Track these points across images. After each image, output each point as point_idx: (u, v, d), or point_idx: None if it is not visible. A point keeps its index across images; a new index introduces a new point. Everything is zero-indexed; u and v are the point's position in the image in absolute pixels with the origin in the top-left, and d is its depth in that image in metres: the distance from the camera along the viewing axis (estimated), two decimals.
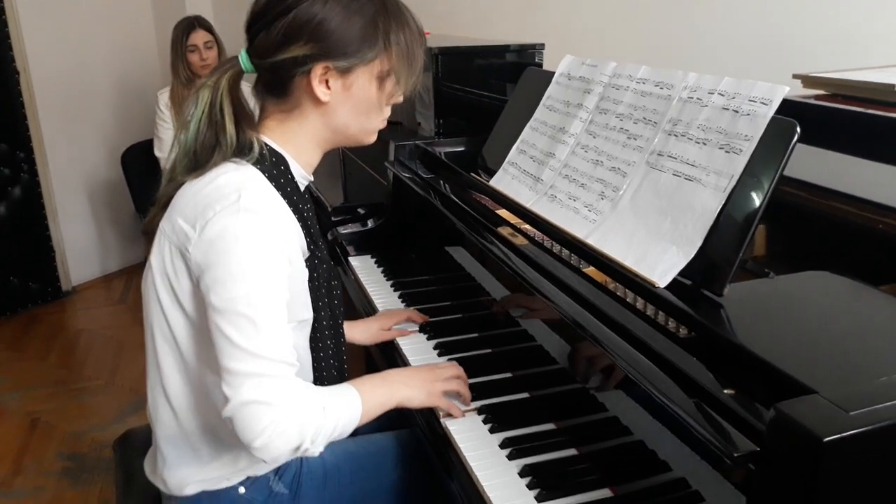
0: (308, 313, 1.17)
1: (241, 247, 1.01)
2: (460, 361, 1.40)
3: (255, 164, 1.09)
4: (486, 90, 2.19)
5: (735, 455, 0.75)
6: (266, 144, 1.12)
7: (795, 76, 1.85)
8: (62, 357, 3.20)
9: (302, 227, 1.15)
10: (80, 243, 3.93)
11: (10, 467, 2.44)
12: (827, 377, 0.79)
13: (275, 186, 1.09)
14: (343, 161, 3.20)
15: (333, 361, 1.26)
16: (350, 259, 1.97)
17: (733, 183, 1.03)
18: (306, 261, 1.17)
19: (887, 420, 0.69)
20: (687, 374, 0.88)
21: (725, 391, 0.84)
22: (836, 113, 1.49)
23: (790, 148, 0.98)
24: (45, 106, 3.65)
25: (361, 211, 2.13)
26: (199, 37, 3.18)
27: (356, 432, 1.35)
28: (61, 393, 2.89)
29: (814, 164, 1.34)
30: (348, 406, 1.11)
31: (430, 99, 2.24)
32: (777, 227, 1.28)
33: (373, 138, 1.19)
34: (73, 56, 3.78)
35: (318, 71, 1.07)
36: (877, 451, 0.69)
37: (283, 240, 1.07)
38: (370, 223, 2.06)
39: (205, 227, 1.02)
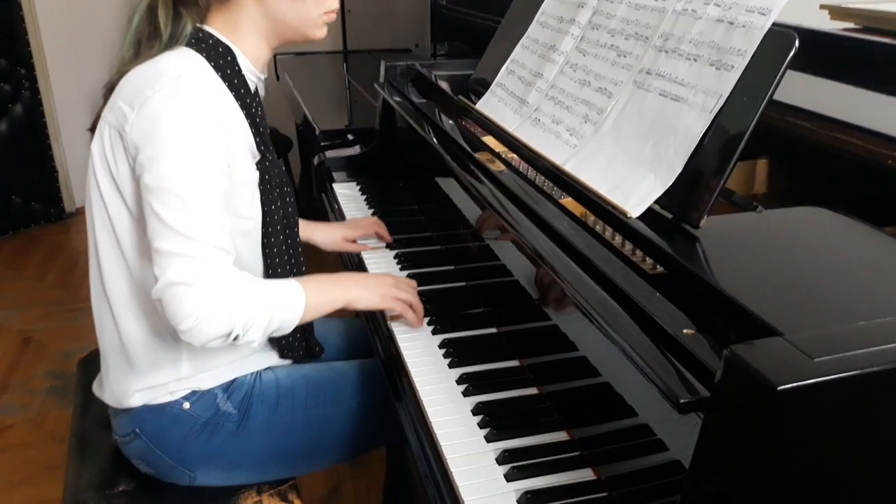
0: (250, 213, 1.14)
1: (177, 126, 1.00)
2: (432, 294, 1.33)
3: (197, 50, 1.07)
4: (493, 12, 2.05)
5: (681, 401, 0.67)
6: (211, 34, 1.10)
7: (823, 6, 1.70)
8: (60, 278, 3.18)
9: (251, 125, 1.12)
10: (84, 164, 3.86)
11: None
12: (799, 320, 0.70)
13: (220, 77, 1.08)
14: (349, 88, 3.11)
15: (289, 267, 1.22)
16: (335, 186, 1.89)
17: (721, 103, 0.92)
18: (257, 163, 1.14)
19: (856, 369, 0.59)
20: (645, 310, 0.79)
21: (685, 331, 0.75)
22: (865, 46, 1.35)
23: (785, 63, 0.86)
24: (46, 18, 3.53)
25: (351, 136, 2.04)
26: None
27: (316, 355, 1.30)
28: (56, 313, 2.88)
29: (839, 101, 1.22)
30: (288, 299, 1.09)
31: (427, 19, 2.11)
32: (784, 162, 1.17)
33: (319, 32, 1.16)
34: None
35: None
36: (841, 404, 0.60)
37: (223, 126, 1.05)
38: (357, 149, 1.97)
39: (143, 105, 1.01)
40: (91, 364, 1.51)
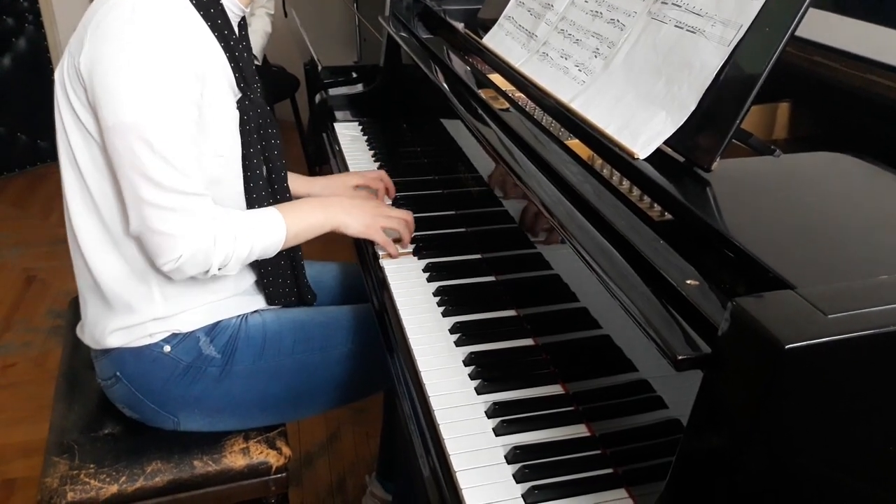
0: (229, 151, 1.08)
1: (133, 58, 0.93)
2: (430, 239, 1.27)
3: None
4: None
5: (679, 357, 0.61)
6: None
7: None
8: (64, 216, 3.15)
9: (230, 59, 1.06)
10: None
11: (1, 322, 2.43)
12: (814, 272, 0.64)
13: (194, 6, 1.01)
14: (358, 27, 3.00)
15: None
16: (336, 125, 1.82)
17: (741, 34, 0.84)
18: (237, 101, 1.08)
19: (875, 328, 0.53)
20: (648, 259, 0.73)
21: (689, 282, 0.68)
22: None
23: None
24: None
25: (355, 74, 1.96)
26: None
27: (309, 302, 1.25)
28: (60, 252, 2.82)
29: (873, 41, 1.13)
30: (268, 229, 1.08)
31: None
32: (809, 106, 1.09)
33: None
34: None
35: None
36: (857, 366, 0.54)
37: (192, 54, 0.98)
38: (360, 87, 1.89)
39: (95, 31, 0.94)
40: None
